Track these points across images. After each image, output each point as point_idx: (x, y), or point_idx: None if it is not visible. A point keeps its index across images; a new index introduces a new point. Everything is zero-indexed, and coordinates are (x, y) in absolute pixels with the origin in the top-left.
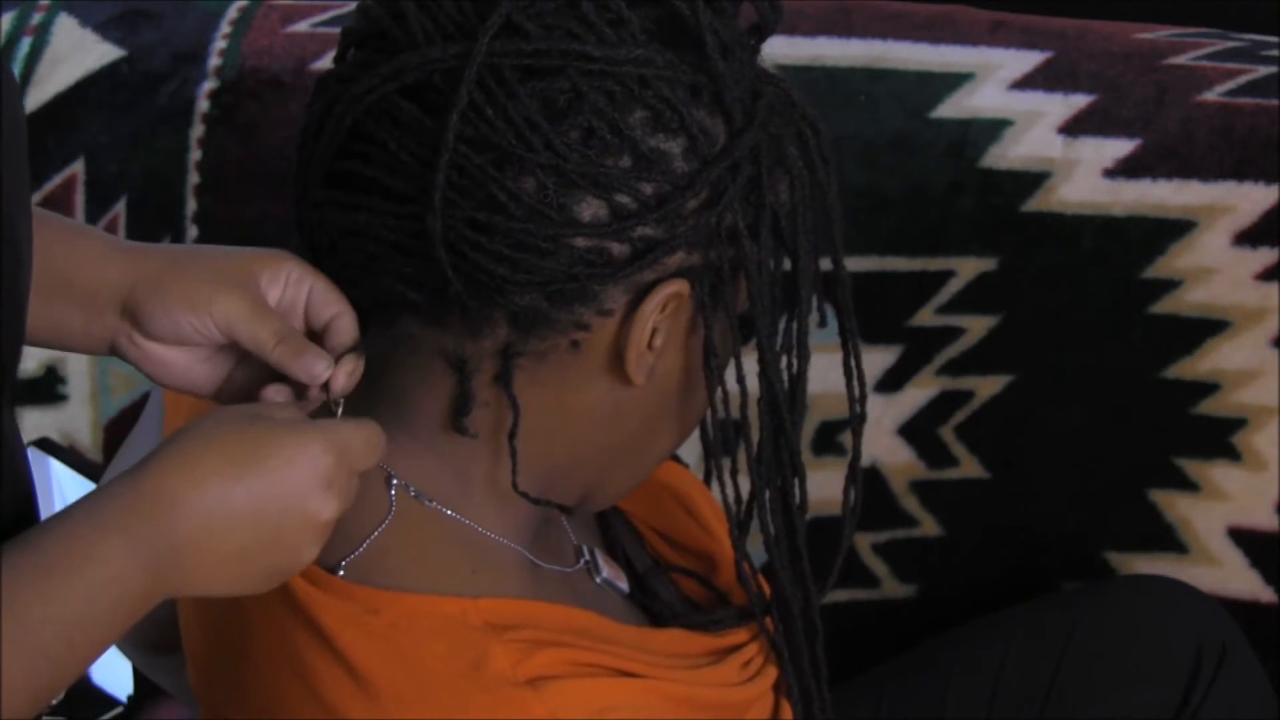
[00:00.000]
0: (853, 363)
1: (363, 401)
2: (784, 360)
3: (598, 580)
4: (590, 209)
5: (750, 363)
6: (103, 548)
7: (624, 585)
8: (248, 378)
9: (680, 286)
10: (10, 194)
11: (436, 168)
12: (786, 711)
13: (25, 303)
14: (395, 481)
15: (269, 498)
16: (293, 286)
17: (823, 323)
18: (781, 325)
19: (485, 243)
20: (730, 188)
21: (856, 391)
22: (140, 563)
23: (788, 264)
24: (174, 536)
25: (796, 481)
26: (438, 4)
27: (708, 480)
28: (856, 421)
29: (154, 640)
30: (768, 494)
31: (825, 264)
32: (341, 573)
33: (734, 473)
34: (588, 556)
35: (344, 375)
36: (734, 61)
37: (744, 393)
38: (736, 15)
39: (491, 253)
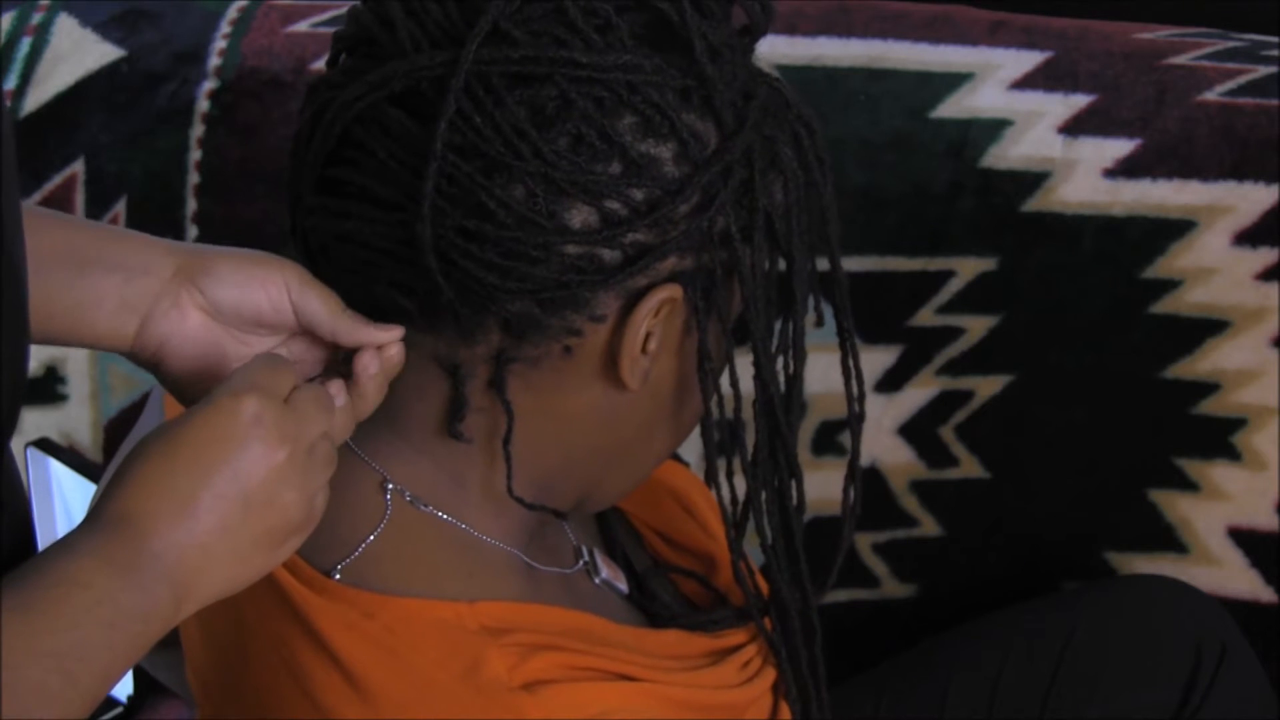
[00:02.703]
0: (850, 362)
1: None
2: (780, 361)
3: (597, 581)
4: (580, 216)
5: (746, 364)
6: (82, 573)
7: (623, 586)
8: None
9: (673, 291)
10: (10, 227)
11: (425, 176)
12: (785, 712)
13: (27, 333)
14: (390, 486)
15: (212, 468)
16: None
17: (820, 322)
18: (779, 326)
19: (475, 251)
20: (722, 191)
21: (855, 391)
22: (125, 582)
23: (783, 265)
24: (149, 546)
25: (794, 483)
26: (425, 10)
27: (708, 480)
28: (855, 421)
29: None
30: (764, 495)
31: (823, 264)
32: (337, 576)
33: (730, 474)
34: (586, 557)
35: (398, 347)
36: (724, 64)
37: (737, 395)
38: (727, 17)
39: (482, 261)
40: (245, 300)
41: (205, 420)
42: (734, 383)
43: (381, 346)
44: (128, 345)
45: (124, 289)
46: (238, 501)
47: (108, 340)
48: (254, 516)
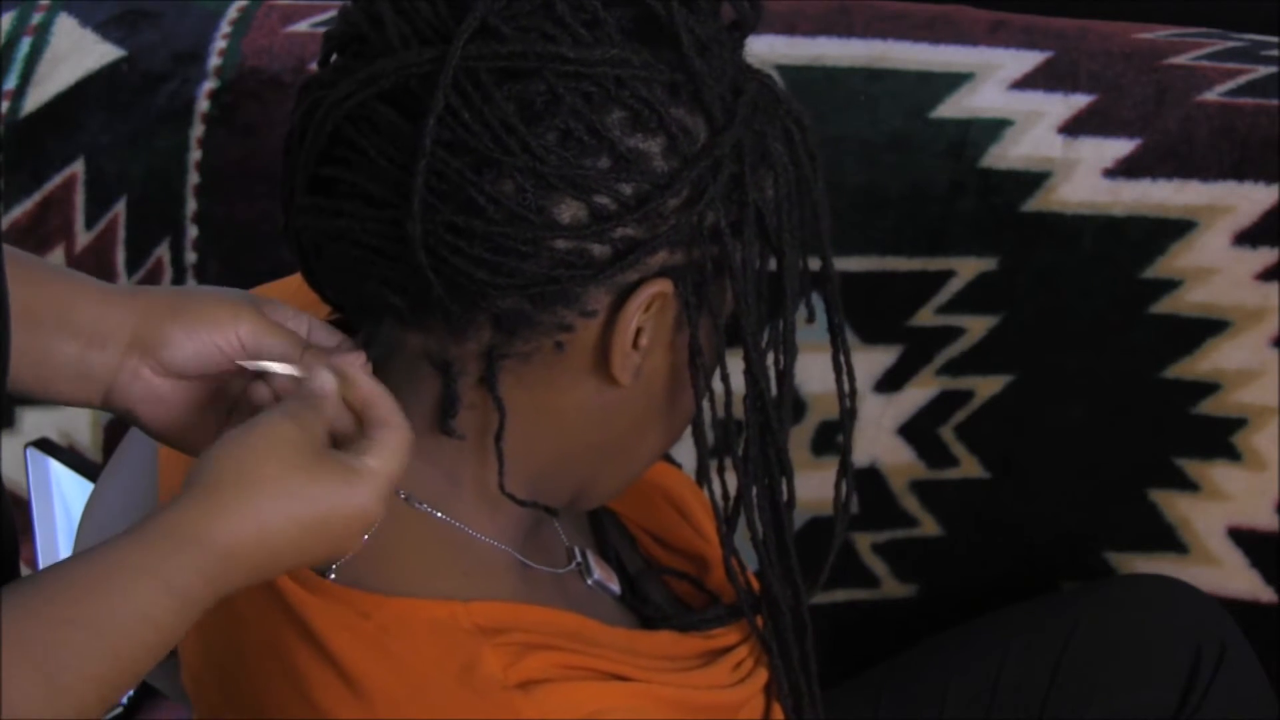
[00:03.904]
0: (842, 359)
1: None
2: (771, 357)
3: (589, 582)
4: (569, 211)
5: (738, 361)
6: (150, 606)
7: (615, 587)
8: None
9: (664, 286)
10: None
11: (415, 172)
12: (778, 713)
13: (7, 344)
14: None
15: (317, 541)
16: (294, 319)
17: (811, 318)
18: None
19: (465, 247)
20: (711, 186)
21: (846, 388)
22: (182, 606)
23: (775, 261)
24: (224, 585)
25: (784, 479)
26: (414, 7)
27: (700, 476)
28: (846, 418)
29: None
30: (755, 492)
31: (815, 261)
32: (333, 576)
33: (721, 470)
34: (579, 558)
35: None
36: (713, 59)
37: (728, 391)
38: (717, 12)
39: (471, 256)
40: (204, 360)
41: (346, 511)
42: (725, 378)
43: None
44: (97, 407)
45: (81, 360)
46: (297, 565)
47: (77, 403)
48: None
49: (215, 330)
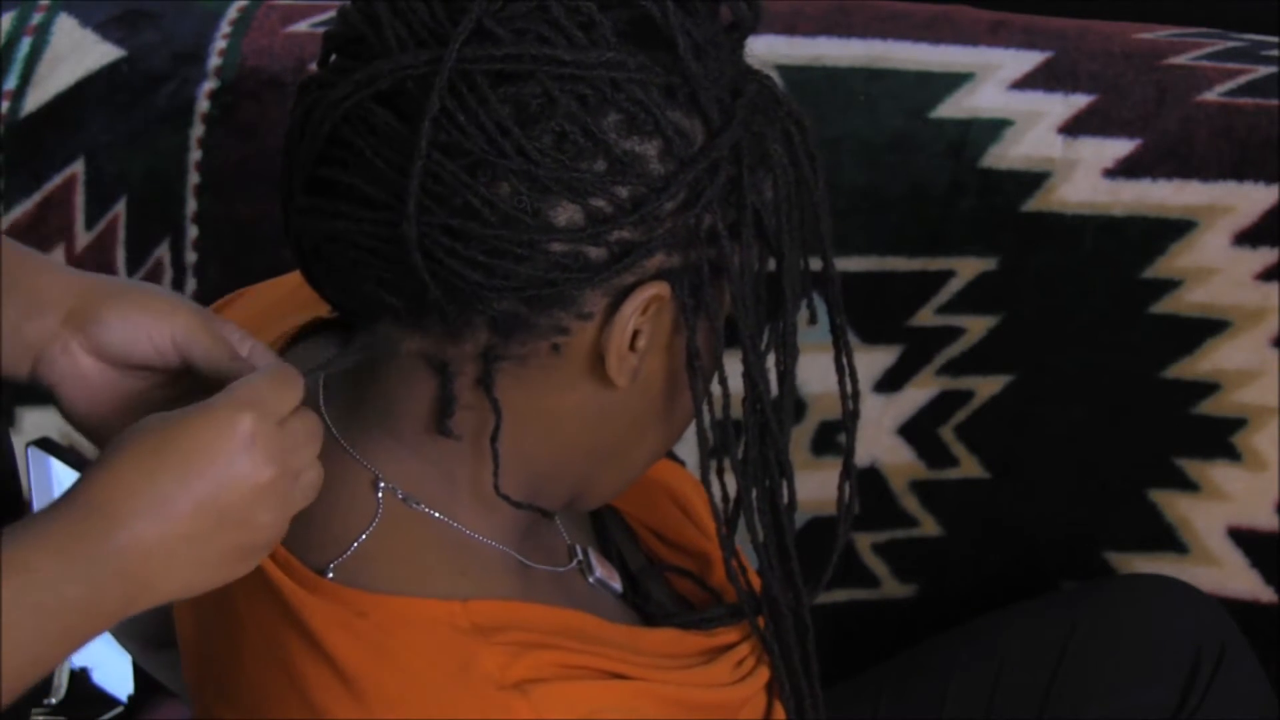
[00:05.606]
0: (844, 360)
1: (349, 406)
2: (772, 359)
3: (591, 580)
4: (565, 214)
5: (738, 362)
6: (35, 558)
7: (617, 585)
8: None
9: (660, 289)
10: None
11: (410, 175)
12: (779, 711)
13: None
14: (382, 484)
15: (196, 479)
16: (239, 341)
17: (813, 319)
18: (770, 324)
19: (461, 249)
20: (708, 188)
21: (849, 389)
22: (76, 573)
23: (774, 263)
24: (114, 541)
25: (784, 482)
26: (411, 9)
27: (703, 478)
28: (849, 419)
29: (152, 635)
30: (755, 494)
31: (816, 263)
32: (330, 575)
33: (720, 471)
34: (581, 556)
35: None
36: (710, 61)
37: (726, 394)
38: (715, 14)
39: (467, 259)
40: (131, 349)
41: (200, 427)
42: (723, 381)
43: None
44: (24, 379)
45: (21, 326)
46: (214, 514)
47: (6, 371)
48: (226, 531)
49: (149, 317)
